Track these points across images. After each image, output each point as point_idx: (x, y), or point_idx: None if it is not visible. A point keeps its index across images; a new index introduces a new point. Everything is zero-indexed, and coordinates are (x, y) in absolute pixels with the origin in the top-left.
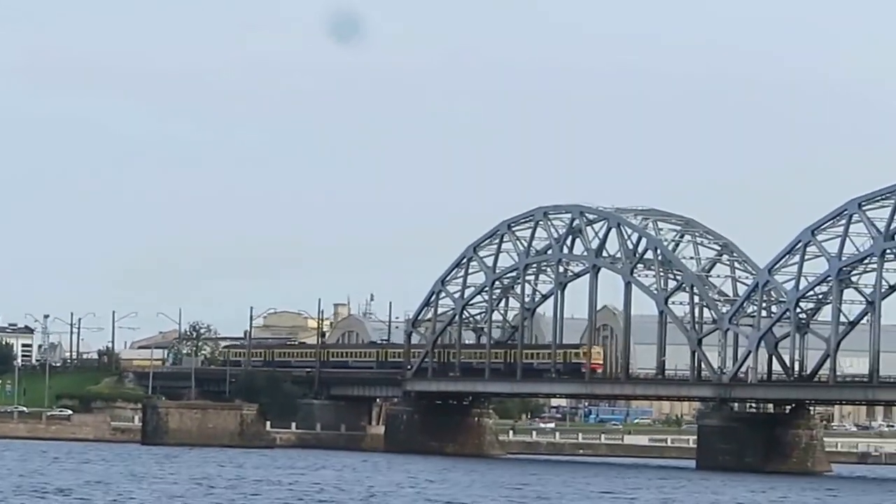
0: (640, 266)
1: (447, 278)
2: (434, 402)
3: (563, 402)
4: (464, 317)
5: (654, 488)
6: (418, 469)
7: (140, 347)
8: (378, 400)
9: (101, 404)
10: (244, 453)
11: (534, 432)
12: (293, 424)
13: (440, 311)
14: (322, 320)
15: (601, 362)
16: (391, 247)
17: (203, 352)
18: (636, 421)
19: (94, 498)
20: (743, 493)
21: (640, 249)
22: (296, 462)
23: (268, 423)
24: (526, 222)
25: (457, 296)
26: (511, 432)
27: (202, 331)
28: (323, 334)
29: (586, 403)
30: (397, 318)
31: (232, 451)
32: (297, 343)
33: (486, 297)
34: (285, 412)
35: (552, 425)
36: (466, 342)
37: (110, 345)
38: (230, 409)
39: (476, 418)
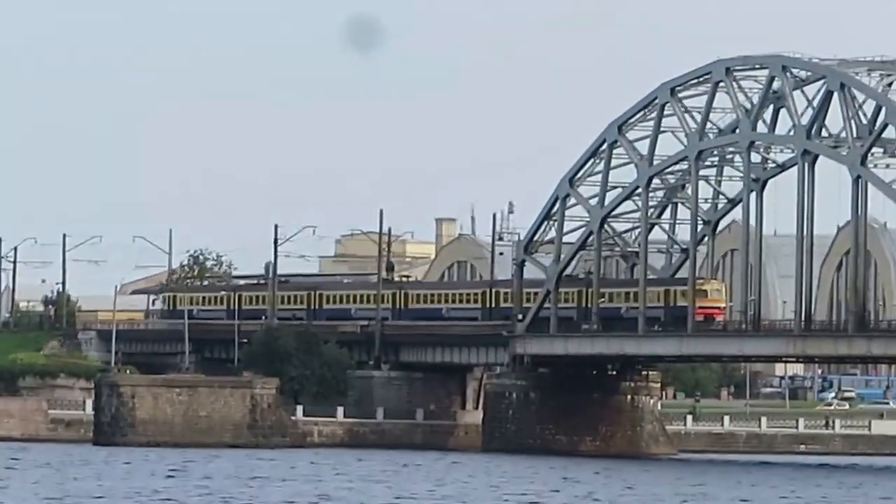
0: (877, 151)
1: (578, 176)
2: (562, 371)
3: (797, 368)
4: (605, 235)
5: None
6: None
7: (134, 293)
8: (477, 370)
9: (35, 382)
10: (250, 456)
11: (726, 418)
12: (340, 410)
13: (568, 227)
14: (389, 242)
15: (721, 305)
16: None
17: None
18: None
19: None
20: None
21: (877, 124)
22: (314, 473)
23: (299, 408)
24: (699, 85)
25: (593, 203)
26: (690, 418)
27: (209, 263)
28: (386, 268)
29: (820, 371)
30: (501, 235)
31: (234, 452)
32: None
33: (640, 204)
34: (329, 391)
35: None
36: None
37: (61, 288)
38: (234, 386)
39: (629, 396)
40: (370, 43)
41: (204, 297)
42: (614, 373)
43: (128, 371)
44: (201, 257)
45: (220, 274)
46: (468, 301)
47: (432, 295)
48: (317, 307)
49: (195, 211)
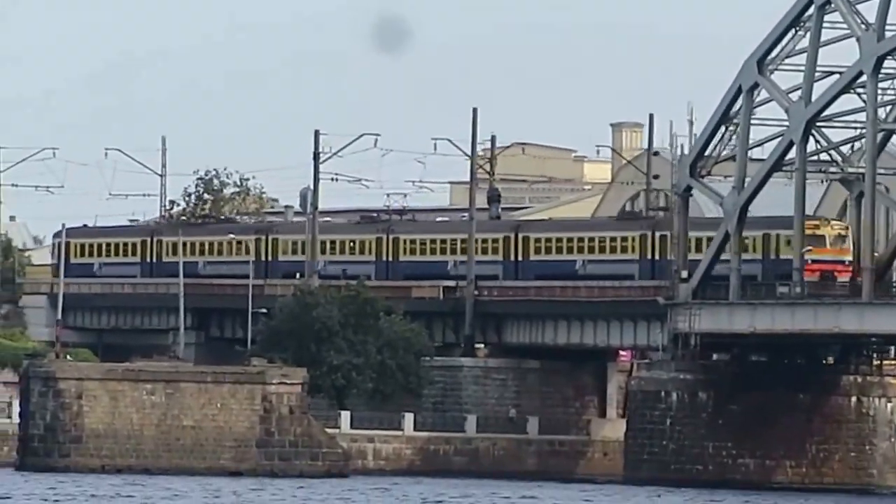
0: None
1: (771, 56)
2: (749, 360)
3: None
4: (813, 148)
5: None
6: None
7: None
8: (620, 356)
9: None
10: (262, 490)
11: None
12: (409, 419)
13: (756, 135)
14: (493, 156)
15: (847, 259)
16: None
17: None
18: None
19: None
20: None
21: None
22: None
23: (344, 415)
24: None
25: (795, 98)
26: None
27: (229, 191)
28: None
29: None
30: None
31: (237, 484)
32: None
33: (867, 99)
34: (392, 390)
35: None
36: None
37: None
38: (236, 380)
39: (854, 398)
40: None
41: (108, 245)
42: (831, 361)
43: (67, 357)
44: (216, 181)
45: (249, 207)
46: (486, 251)
47: (431, 242)
48: (269, 258)
49: (201, 111)
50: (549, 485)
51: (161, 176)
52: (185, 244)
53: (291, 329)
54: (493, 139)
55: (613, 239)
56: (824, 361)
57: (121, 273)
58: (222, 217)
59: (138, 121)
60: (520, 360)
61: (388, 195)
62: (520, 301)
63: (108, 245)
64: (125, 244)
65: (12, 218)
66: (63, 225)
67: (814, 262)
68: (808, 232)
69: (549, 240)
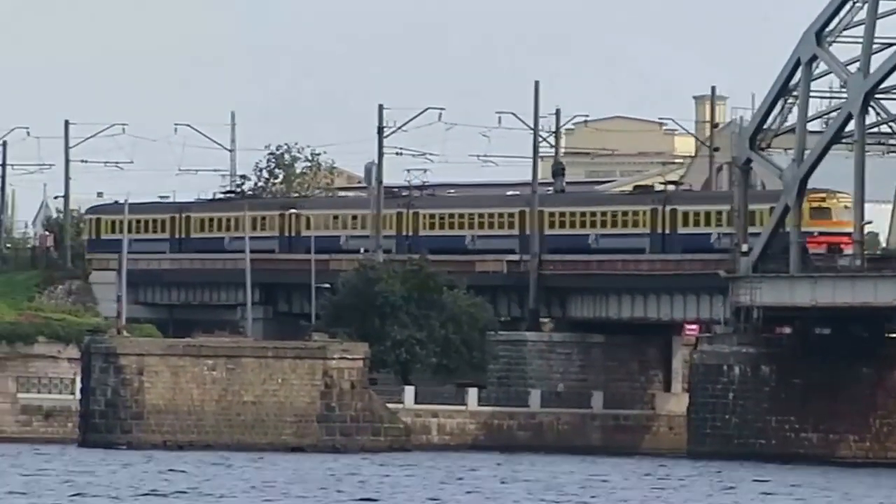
0: None
1: (829, 28)
2: (811, 333)
3: None
4: (873, 120)
5: None
6: None
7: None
8: (686, 330)
9: (4, 351)
10: (322, 465)
11: None
12: (473, 394)
13: (814, 108)
14: (558, 128)
15: (852, 231)
16: None
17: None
18: None
19: None
20: None
21: None
22: None
23: (408, 390)
24: None
25: (854, 69)
26: None
27: (300, 165)
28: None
29: None
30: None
31: (299, 459)
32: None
33: None
34: (456, 365)
35: None
36: None
37: (75, 205)
38: (298, 356)
39: None
40: None
41: (139, 222)
42: (894, 335)
43: (123, 332)
44: (287, 156)
45: (320, 182)
46: (493, 226)
47: (449, 217)
48: (292, 234)
49: (269, 85)
50: (614, 461)
51: (231, 151)
52: (211, 220)
53: (355, 304)
54: (557, 112)
55: (625, 213)
56: (887, 334)
57: (150, 249)
58: (249, 193)
59: (206, 96)
60: (584, 335)
61: (408, 171)
62: (584, 275)
63: (138, 221)
64: (154, 220)
65: (100, 194)
66: (125, 199)
67: (820, 234)
68: (814, 205)
69: (562, 214)
